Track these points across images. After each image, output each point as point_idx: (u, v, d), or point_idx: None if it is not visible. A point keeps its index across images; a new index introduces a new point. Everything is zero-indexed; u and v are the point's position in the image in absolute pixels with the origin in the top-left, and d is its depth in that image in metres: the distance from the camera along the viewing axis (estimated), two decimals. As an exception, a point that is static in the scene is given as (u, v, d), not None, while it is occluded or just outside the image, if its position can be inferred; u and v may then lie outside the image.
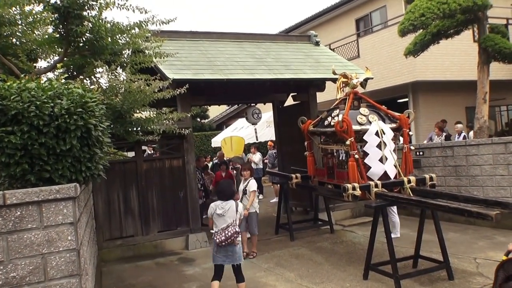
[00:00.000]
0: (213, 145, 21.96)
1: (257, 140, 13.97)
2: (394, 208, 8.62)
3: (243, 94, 10.53)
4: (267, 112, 16.00)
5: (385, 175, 7.09)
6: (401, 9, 15.61)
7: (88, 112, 3.90)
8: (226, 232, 5.68)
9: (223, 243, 5.66)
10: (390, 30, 14.95)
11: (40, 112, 3.65)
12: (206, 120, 27.53)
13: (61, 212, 3.62)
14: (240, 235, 5.84)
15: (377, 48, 15.70)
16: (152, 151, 15.06)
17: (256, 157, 14.70)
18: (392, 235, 8.81)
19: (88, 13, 5.37)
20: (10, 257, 3.39)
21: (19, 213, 3.46)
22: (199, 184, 10.31)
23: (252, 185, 8.16)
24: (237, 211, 5.85)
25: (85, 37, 5.49)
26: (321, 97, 10.91)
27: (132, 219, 8.76)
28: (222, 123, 27.63)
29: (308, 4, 73.95)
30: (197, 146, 21.79)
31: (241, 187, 8.29)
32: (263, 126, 17.66)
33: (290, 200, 10.11)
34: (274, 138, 14.10)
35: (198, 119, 25.77)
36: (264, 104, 12.70)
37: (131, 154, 10.34)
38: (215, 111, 27.57)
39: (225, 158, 14.38)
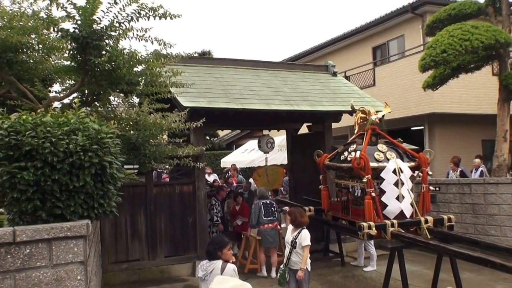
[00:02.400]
0: (222, 165, 21.60)
1: (267, 167, 13.68)
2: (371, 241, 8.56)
3: (257, 121, 10.40)
4: (279, 136, 15.87)
5: (401, 214, 6.93)
6: (419, 39, 15.52)
7: (103, 148, 3.81)
8: None
9: None
10: (407, 60, 14.83)
11: (55, 148, 3.56)
12: (216, 139, 27.26)
13: (71, 251, 3.53)
14: None
15: (394, 77, 15.54)
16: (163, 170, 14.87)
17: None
18: (369, 268, 8.81)
19: (106, 43, 5.32)
20: (16, 297, 3.29)
21: (28, 250, 3.38)
22: (216, 217, 9.94)
23: (306, 237, 6.22)
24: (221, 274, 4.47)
25: (102, 66, 5.43)
26: (334, 123, 10.78)
27: (139, 242, 8.63)
28: (232, 143, 27.29)
29: (321, 27, 74.33)
30: (205, 166, 21.34)
31: (289, 237, 6.40)
32: (274, 150, 17.43)
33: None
34: (284, 162, 13.86)
35: (207, 138, 25.52)
36: (278, 131, 12.57)
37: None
38: (225, 130, 27.27)
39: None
